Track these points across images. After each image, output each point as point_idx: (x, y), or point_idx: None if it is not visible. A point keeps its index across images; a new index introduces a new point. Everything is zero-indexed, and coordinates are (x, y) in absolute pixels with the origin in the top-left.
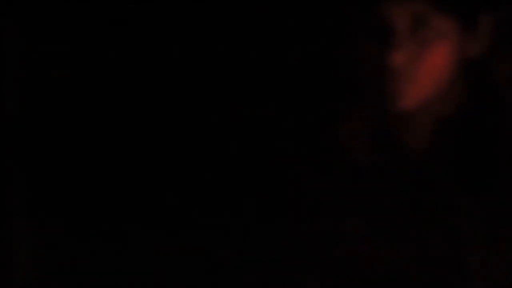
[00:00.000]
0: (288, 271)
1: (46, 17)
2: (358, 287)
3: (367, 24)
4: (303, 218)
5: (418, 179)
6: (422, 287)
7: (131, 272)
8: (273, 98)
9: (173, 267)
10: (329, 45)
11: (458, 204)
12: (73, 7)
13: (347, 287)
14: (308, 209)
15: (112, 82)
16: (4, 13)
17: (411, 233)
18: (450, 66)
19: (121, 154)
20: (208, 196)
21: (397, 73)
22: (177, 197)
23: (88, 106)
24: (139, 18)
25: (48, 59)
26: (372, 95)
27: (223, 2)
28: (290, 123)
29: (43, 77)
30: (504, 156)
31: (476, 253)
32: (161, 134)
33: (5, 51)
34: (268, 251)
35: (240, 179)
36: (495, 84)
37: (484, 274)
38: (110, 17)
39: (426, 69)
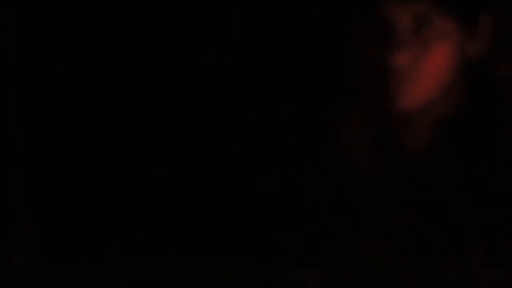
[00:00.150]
0: (288, 273)
1: (46, 17)
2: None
3: (369, 24)
4: (303, 219)
5: (418, 180)
6: (423, 287)
7: (131, 272)
8: (274, 99)
9: (173, 268)
10: (330, 46)
11: (459, 204)
12: (73, 7)
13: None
14: (308, 210)
15: (112, 82)
16: (4, 13)
17: (411, 233)
18: (451, 67)
19: (121, 154)
20: (207, 197)
21: (399, 73)
22: (177, 197)
23: (88, 106)
24: (139, 18)
25: (48, 59)
26: (374, 96)
27: (223, 2)
28: (290, 124)
29: (43, 77)
30: (504, 156)
31: (476, 253)
32: (160, 134)
33: (5, 51)
34: (269, 252)
35: (240, 181)
36: (495, 84)
37: (484, 274)
38: (110, 17)
39: (428, 69)
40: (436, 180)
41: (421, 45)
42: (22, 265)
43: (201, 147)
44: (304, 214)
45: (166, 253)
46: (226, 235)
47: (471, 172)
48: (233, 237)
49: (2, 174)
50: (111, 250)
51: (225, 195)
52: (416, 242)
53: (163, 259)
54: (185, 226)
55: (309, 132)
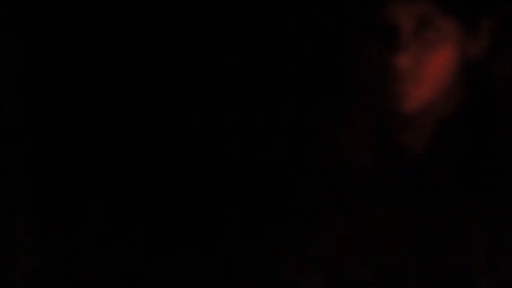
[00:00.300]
0: (288, 274)
1: (46, 17)
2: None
3: (371, 25)
4: (304, 219)
5: (419, 180)
6: (423, 287)
7: (131, 272)
8: (276, 99)
9: (173, 268)
10: (332, 46)
11: (459, 204)
12: (73, 7)
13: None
14: (309, 210)
15: (111, 82)
16: (3, 13)
17: (412, 233)
18: (453, 67)
19: (121, 154)
20: (207, 197)
21: (402, 74)
22: (177, 198)
23: (88, 106)
24: (138, 19)
25: (48, 59)
26: (376, 97)
27: (223, 2)
28: (291, 124)
29: (43, 78)
30: (505, 156)
31: (477, 253)
32: (160, 134)
33: (5, 51)
34: (268, 254)
35: (240, 180)
36: (496, 84)
37: (485, 274)
38: (110, 18)
39: (430, 70)
40: (436, 181)
41: (424, 46)
42: (22, 265)
43: (201, 146)
44: (304, 214)
45: (166, 253)
46: (226, 235)
47: (472, 173)
48: (233, 237)
49: (2, 174)
50: (111, 250)
51: (225, 195)
52: (417, 242)
53: (163, 259)
54: (185, 226)
55: (310, 132)
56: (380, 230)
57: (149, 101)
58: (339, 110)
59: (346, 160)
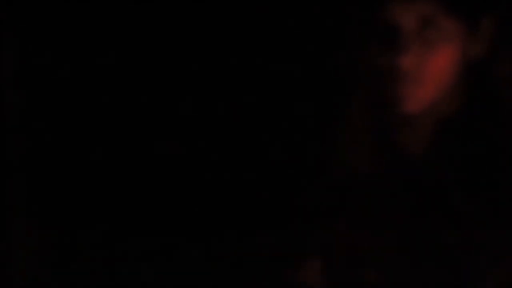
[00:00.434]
0: (288, 272)
1: (46, 18)
2: None
3: (373, 25)
4: (304, 219)
5: (420, 181)
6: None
7: (131, 273)
8: (276, 99)
9: (173, 268)
10: (334, 47)
11: (460, 205)
12: (73, 8)
13: None
14: (309, 210)
15: (112, 82)
16: (4, 13)
17: (412, 233)
18: (454, 67)
19: (121, 154)
20: (207, 196)
21: (404, 75)
22: (177, 198)
23: (88, 107)
24: (138, 18)
25: (48, 59)
26: (378, 98)
27: (223, 1)
28: (293, 124)
29: (43, 78)
30: (505, 156)
31: (477, 254)
32: (160, 133)
33: (5, 51)
34: (268, 252)
35: (240, 180)
36: (496, 84)
37: (485, 274)
38: (110, 18)
39: (432, 70)
40: (437, 181)
41: (427, 47)
42: (22, 265)
43: (201, 146)
44: (304, 214)
45: (166, 253)
46: (225, 235)
47: (473, 173)
48: (233, 236)
49: (2, 174)
50: (111, 250)
51: (224, 195)
52: (417, 242)
53: (163, 259)
54: (185, 226)
55: (310, 132)
56: (380, 230)
57: (149, 101)
58: (339, 110)
59: (346, 160)
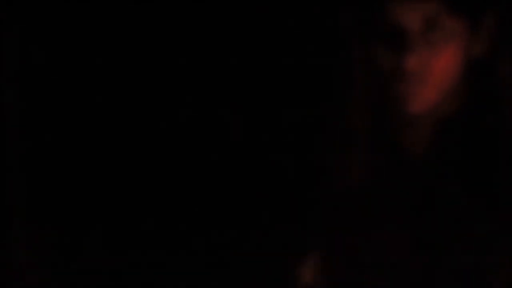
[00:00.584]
0: (288, 272)
1: (47, 18)
2: None
3: (378, 27)
4: (304, 220)
5: (420, 181)
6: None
7: (131, 272)
8: (280, 100)
9: (173, 268)
10: (336, 47)
11: (460, 205)
12: (74, 8)
13: None
14: (309, 211)
15: (112, 82)
16: (3, 13)
17: (413, 234)
18: (458, 68)
19: (121, 154)
20: (208, 197)
21: (409, 76)
22: (176, 198)
23: (88, 107)
24: (138, 19)
25: (48, 59)
26: (382, 99)
27: (223, 1)
28: (295, 124)
29: (43, 77)
30: (506, 156)
31: (477, 255)
32: (160, 134)
33: (5, 51)
34: (268, 252)
35: (240, 180)
36: (497, 84)
37: (486, 275)
38: (110, 17)
39: (437, 71)
40: (437, 181)
41: (431, 47)
42: (22, 265)
43: (201, 146)
44: (304, 215)
45: (165, 253)
46: (225, 235)
47: (473, 174)
48: (232, 236)
49: (2, 174)
50: (111, 250)
51: (224, 195)
52: (417, 242)
53: (163, 259)
54: (185, 227)
55: (310, 132)
56: (380, 230)
57: (148, 100)
58: (342, 110)
59: (347, 161)
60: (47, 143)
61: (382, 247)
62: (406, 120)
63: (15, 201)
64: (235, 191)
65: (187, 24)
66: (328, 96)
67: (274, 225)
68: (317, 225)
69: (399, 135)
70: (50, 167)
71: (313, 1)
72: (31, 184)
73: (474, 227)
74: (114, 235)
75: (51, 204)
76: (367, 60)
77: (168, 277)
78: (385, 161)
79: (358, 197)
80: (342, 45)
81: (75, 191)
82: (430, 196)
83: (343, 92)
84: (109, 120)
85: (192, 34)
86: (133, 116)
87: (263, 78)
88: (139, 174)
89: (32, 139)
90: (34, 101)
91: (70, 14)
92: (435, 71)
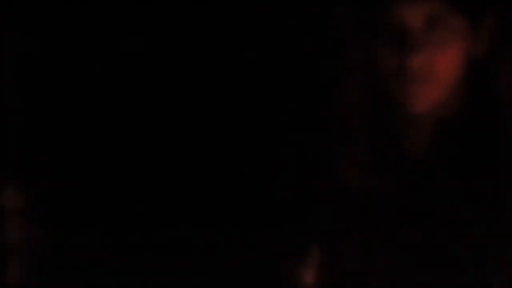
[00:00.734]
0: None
1: (47, 17)
2: None
3: (380, 26)
4: (305, 220)
5: (421, 181)
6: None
7: (131, 273)
8: (281, 100)
9: (173, 267)
10: (339, 48)
11: (460, 205)
12: (74, 8)
13: None
14: (310, 211)
15: (111, 82)
16: (3, 13)
17: (413, 234)
18: (460, 67)
19: (120, 154)
20: (208, 197)
21: (412, 75)
22: (175, 197)
23: (88, 106)
24: (138, 18)
25: (47, 59)
26: (385, 98)
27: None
28: (297, 124)
29: (43, 77)
30: (506, 157)
31: (477, 256)
32: (159, 134)
33: (5, 51)
34: (268, 252)
35: (240, 181)
36: (497, 84)
37: (486, 277)
38: (110, 17)
39: (439, 70)
40: (438, 181)
41: (433, 46)
42: (21, 265)
43: (201, 146)
44: (305, 215)
45: (166, 253)
46: (225, 235)
47: (473, 172)
48: (232, 237)
49: (1, 175)
50: (111, 250)
51: (224, 196)
52: (417, 242)
53: (163, 259)
54: (185, 225)
55: (311, 132)
56: (380, 230)
57: (148, 100)
58: (342, 110)
59: (347, 161)
60: (47, 143)
61: (382, 247)
62: (407, 120)
63: (15, 201)
64: (235, 191)
65: (183, 23)
66: (328, 96)
67: (274, 225)
68: (317, 225)
69: (400, 135)
70: (50, 167)
71: (313, 1)
72: (31, 184)
73: (474, 227)
74: (114, 235)
75: (51, 204)
76: (367, 60)
77: (168, 277)
78: (385, 161)
79: (358, 197)
80: (342, 45)
81: (75, 190)
82: (430, 196)
83: (344, 92)
84: (110, 119)
85: (191, 33)
86: (132, 115)
87: (263, 78)
88: (139, 174)
89: (32, 139)
90: (35, 101)
91: (69, 14)
92: (438, 70)
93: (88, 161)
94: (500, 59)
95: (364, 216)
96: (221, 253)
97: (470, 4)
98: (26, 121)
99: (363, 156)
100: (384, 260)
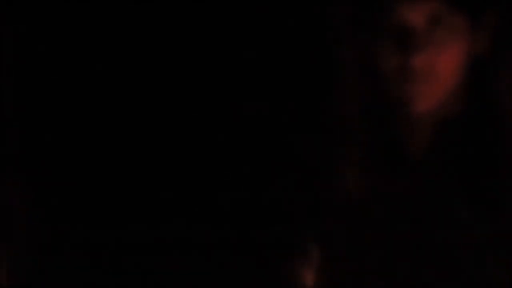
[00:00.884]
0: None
1: (46, 17)
2: None
3: (383, 26)
4: (304, 221)
5: (421, 181)
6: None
7: (131, 273)
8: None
9: (173, 267)
10: (340, 48)
11: (460, 205)
12: (73, 7)
13: None
14: (310, 212)
15: (110, 82)
16: (3, 13)
17: (413, 234)
18: (461, 66)
19: (120, 154)
20: (208, 197)
21: (414, 74)
22: (176, 197)
23: (87, 106)
24: (137, 18)
25: (47, 59)
26: (387, 98)
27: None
28: (293, 125)
29: (42, 77)
30: (506, 157)
31: (477, 256)
32: (157, 133)
33: (5, 51)
34: (268, 252)
35: (239, 181)
36: (497, 84)
37: (486, 277)
38: (109, 17)
39: (441, 69)
40: (438, 181)
41: (434, 45)
42: (21, 265)
43: (203, 146)
44: (305, 215)
45: (166, 253)
46: (224, 235)
47: (473, 173)
48: (231, 237)
49: (1, 174)
50: (111, 250)
51: (224, 195)
52: (418, 242)
53: (163, 259)
54: (184, 226)
55: (312, 133)
56: (380, 230)
57: (147, 100)
58: (343, 110)
59: (347, 161)
60: (47, 142)
61: (382, 247)
62: (407, 119)
63: (15, 201)
64: (234, 191)
65: (183, 23)
66: (328, 96)
67: (274, 225)
68: (317, 225)
69: (400, 135)
70: (50, 167)
71: (312, 1)
72: (31, 183)
73: (474, 227)
74: (114, 234)
75: (51, 203)
76: (367, 60)
77: (168, 277)
78: (385, 161)
79: (358, 197)
80: (342, 45)
81: (75, 190)
82: (430, 196)
83: (344, 92)
84: (110, 119)
85: (190, 33)
86: (132, 114)
87: (263, 78)
88: (139, 174)
89: (31, 139)
90: (34, 101)
91: (69, 13)
92: (438, 70)
93: (88, 161)
94: (500, 59)
95: (364, 216)
96: (221, 253)
97: (471, 3)
98: (26, 121)
99: (363, 156)
100: (384, 261)
